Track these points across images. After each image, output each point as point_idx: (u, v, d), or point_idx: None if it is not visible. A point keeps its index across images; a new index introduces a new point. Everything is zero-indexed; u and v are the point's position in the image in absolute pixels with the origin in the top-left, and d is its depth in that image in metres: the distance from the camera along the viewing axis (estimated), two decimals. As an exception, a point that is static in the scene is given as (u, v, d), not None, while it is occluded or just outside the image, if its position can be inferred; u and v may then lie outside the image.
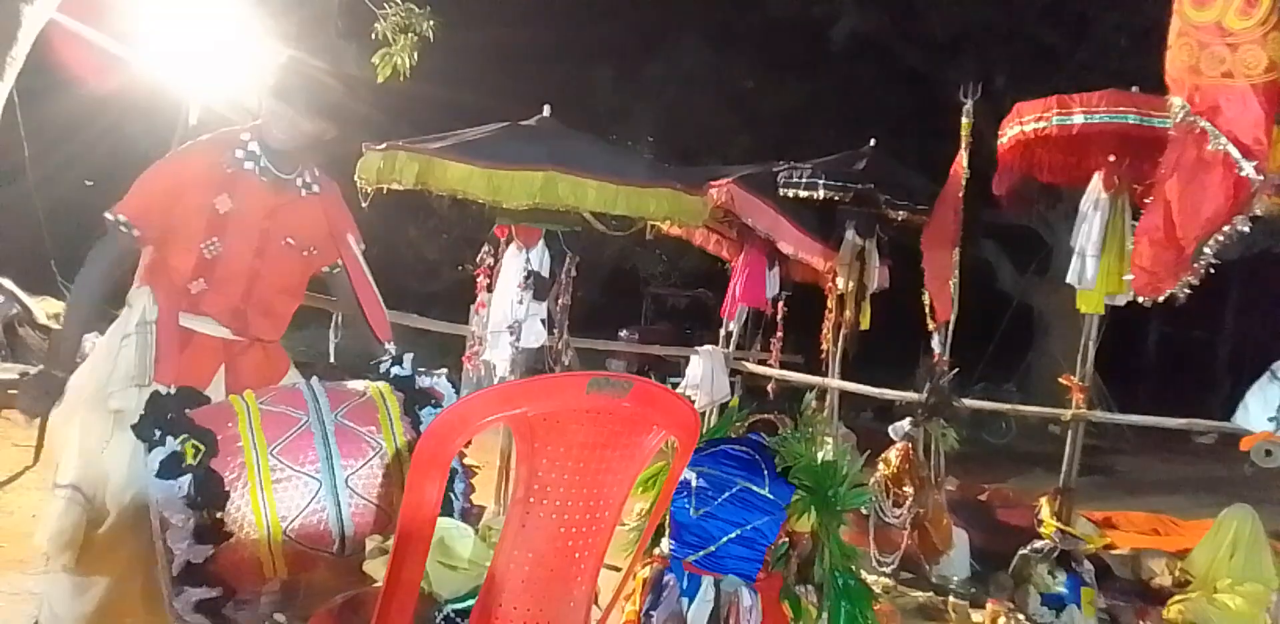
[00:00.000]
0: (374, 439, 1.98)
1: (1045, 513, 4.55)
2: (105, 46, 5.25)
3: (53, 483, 2.36)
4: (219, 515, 1.82)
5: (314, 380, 2.11)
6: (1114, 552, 4.83)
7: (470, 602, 1.70)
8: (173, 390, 2.03)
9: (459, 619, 1.78)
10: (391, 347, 2.46)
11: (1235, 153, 2.43)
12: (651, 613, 3.45)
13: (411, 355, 2.23)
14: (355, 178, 4.56)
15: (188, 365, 2.35)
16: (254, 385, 2.35)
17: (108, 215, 2.32)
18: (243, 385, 2.37)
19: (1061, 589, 4.22)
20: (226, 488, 1.82)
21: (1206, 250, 2.52)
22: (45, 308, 7.25)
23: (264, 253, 2.41)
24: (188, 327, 2.38)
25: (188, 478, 1.81)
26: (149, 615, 2.19)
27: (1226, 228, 2.49)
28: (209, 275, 2.37)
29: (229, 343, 2.45)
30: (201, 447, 1.84)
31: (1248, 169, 2.43)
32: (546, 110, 4.91)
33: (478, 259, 5.17)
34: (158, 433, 1.86)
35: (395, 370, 2.18)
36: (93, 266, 2.37)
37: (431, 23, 6.25)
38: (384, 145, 4.42)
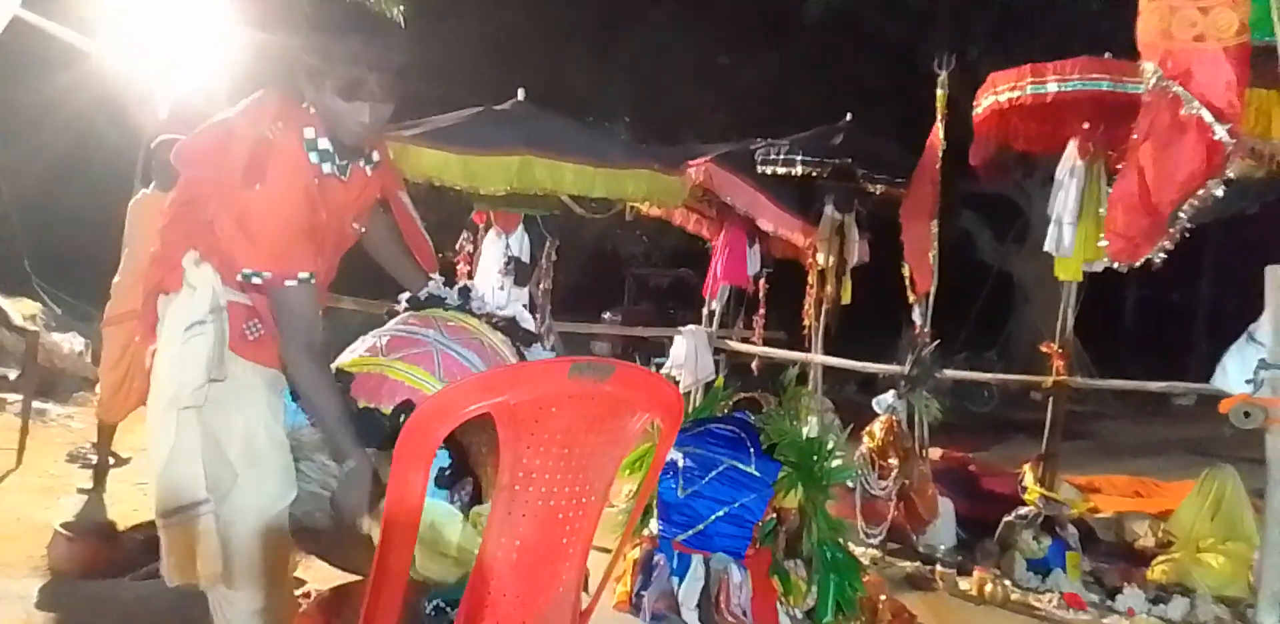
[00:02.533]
0: None
1: (1029, 479, 4.60)
2: (69, 39, 5.17)
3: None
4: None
5: (437, 336, 2.12)
6: (1097, 515, 4.90)
7: (460, 593, 1.70)
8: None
9: (449, 609, 1.79)
10: (437, 277, 2.36)
11: (1208, 116, 2.43)
12: (643, 593, 3.47)
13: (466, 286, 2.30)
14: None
15: (267, 346, 2.13)
16: None
17: (289, 283, 1.98)
18: None
19: (1046, 554, 4.28)
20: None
21: (1181, 215, 2.53)
22: (20, 309, 7.16)
23: (339, 245, 2.26)
24: (254, 306, 2.16)
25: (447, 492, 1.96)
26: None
27: (1201, 192, 2.50)
28: None
29: None
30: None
31: (1221, 132, 2.43)
32: (520, 94, 4.86)
33: (457, 246, 5.16)
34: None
35: (478, 306, 2.24)
36: (316, 356, 2.03)
37: (402, 7, 6.18)
38: (356, 133, 4.36)
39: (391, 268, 2.46)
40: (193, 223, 2.07)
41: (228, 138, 2.04)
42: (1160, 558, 4.32)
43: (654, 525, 3.64)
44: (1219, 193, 2.48)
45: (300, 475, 1.99)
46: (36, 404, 5.45)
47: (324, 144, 2.08)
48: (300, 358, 1.97)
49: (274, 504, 2.02)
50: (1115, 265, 2.76)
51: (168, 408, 1.98)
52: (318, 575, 2.95)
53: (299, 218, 2.01)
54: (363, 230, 2.32)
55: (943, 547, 4.48)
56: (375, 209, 2.40)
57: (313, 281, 2.01)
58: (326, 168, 2.10)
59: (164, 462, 1.96)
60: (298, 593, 3.03)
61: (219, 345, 2.02)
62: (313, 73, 2.02)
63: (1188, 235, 2.61)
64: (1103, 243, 2.77)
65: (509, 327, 2.19)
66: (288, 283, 1.98)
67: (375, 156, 2.28)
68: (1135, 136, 2.67)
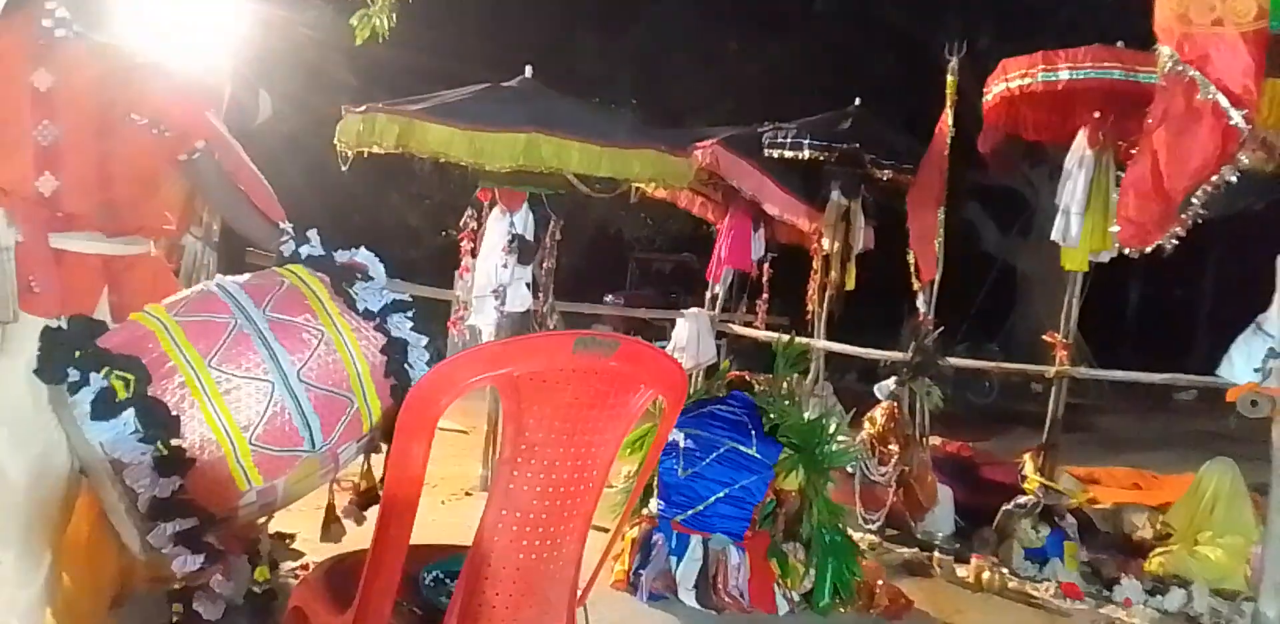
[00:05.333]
0: (314, 327, 1.83)
1: (1029, 468, 4.60)
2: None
3: None
4: (175, 443, 1.68)
5: (221, 278, 1.92)
6: (1096, 506, 4.90)
7: (459, 564, 1.69)
8: (63, 322, 1.81)
9: (447, 581, 1.78)
10: (288, 226, 2.16)
11: (1224, 102, 2.40)
12: (640, 572, 3.48)
13: (316, 230, 2.03)
14: (335, 141, 4.48)
15: (66, 291, 2.06)
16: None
17: None
18: (131, 308, 2.06)
19: (1044, 544, 4.28)
20: (174, 412, 1.69)
21: (1194, 201, 2.51)
22: None
23: (109, 132, 2.11)
24: (59, 247, 2.09)
25: (130, 412, 1.66)
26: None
27: (1214, 178, 2.47)
28: (54, 167, 2.05)
29: (110, 260, 2.15)
30: (130, 376, 1.67)
31: (1236, 118, 2.40)
32: (528, 71, 4.82)
33: (461, 223, 5.12)
34: (76, 372, 1.69)
35: (306, 250, 2.00)
36: None
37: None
38: (363, 108, 4.34)
39: (237, 224, 2.30)
40: None
41: None
42: (1158, 550, 4.33)
43: (653, 505, 3.65)
44: (1232, 179, 2.46)
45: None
46: None
47: (61, 13, 2.07)
48: None
49: (36, 464, 1.98)
50: (1125, 251, 2.75)
51: None
52: (319, 549, 2.95)
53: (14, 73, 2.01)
54: (142, 121, 2.16)
55: (941, 534, 4.48)
56: (209, 158, 2.25)
57: None
58: (61, 33, 2.07)
59: None
60: (295, 565, 3.03)
61: (5, 284, 1.98)
62: None
63: (1199, 223, 2.59)
64: (1114, 228, 2.75)
65: (324, 264, 1.98)
66: None
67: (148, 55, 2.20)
68: (1149, 121, 2.64)
